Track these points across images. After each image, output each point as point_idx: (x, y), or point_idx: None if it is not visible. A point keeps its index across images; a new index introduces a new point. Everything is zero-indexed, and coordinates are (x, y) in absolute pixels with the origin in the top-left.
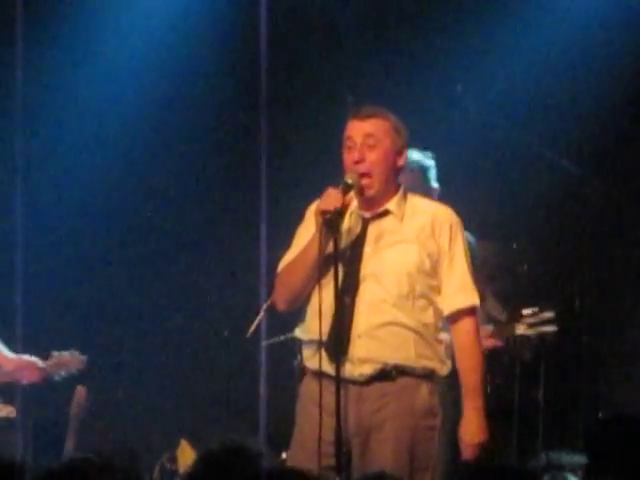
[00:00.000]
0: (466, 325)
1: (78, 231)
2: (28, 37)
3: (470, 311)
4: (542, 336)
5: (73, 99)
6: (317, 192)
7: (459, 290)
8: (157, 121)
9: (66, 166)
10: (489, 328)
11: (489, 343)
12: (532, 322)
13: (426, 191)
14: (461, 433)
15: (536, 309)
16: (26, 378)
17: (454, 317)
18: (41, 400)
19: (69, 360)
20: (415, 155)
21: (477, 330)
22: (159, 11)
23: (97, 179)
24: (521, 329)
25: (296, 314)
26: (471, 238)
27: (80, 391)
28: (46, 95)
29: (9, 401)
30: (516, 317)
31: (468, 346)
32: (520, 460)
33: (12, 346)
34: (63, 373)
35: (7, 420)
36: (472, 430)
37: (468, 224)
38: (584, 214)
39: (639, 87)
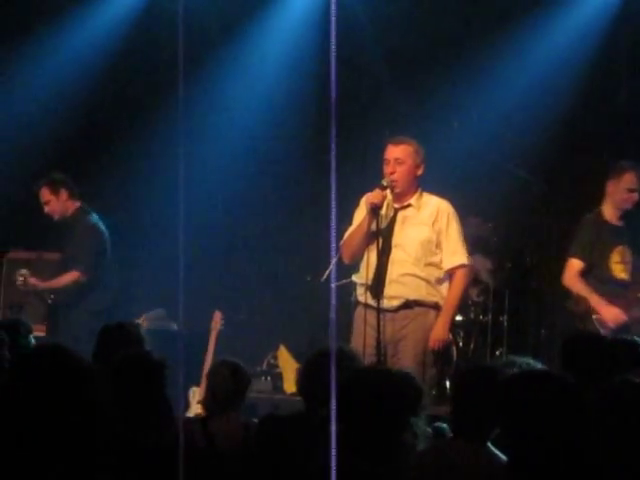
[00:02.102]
0: (456, 274)
1: (220, 201)
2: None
3: (460, 266)
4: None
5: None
6: (367, 189)
7: (453, 254)
8: (273, 137)
9: (212, 167)
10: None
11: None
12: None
13: None
14: (432, 333)
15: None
16: None
17: (450, 270)
18: (192, 320)
19: None
20: None
21: (463, 277)
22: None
23: (236, 174)
24: None
25: (353, 266)
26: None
27: (217, 314)
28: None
29: (173, 319)
30: None
31: (454, 286)
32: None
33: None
34: None
35: (170, 332)
36: (437, 329)
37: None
38: (532, 205)
39: (575, 120)
